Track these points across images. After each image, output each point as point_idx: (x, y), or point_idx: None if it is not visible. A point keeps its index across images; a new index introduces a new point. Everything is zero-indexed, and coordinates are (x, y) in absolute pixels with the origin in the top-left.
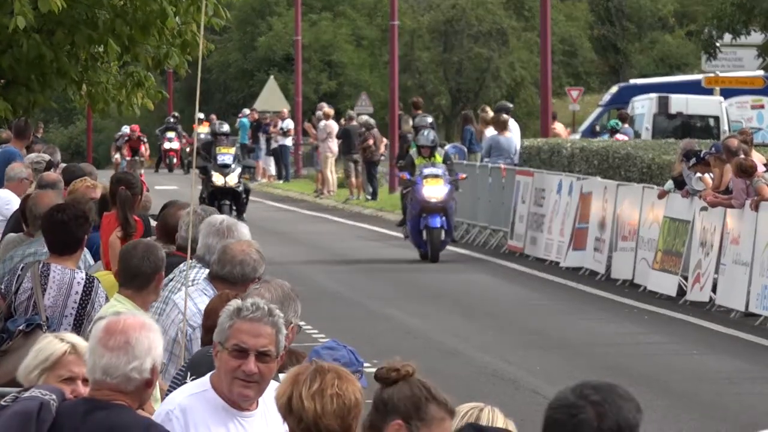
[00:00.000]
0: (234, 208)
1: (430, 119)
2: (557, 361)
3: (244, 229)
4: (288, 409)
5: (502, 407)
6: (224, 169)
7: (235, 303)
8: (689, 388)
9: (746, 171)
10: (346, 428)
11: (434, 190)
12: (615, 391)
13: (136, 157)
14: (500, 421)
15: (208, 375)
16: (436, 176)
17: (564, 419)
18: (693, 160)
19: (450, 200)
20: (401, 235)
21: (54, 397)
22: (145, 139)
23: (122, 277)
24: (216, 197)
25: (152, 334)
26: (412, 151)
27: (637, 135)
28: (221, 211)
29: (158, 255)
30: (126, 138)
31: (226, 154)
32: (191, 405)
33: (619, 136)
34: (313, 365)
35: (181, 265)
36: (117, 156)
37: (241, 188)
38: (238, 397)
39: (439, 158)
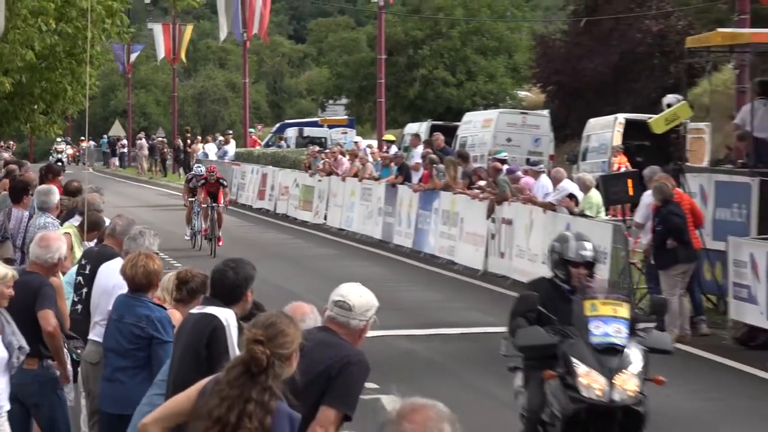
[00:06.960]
0: None
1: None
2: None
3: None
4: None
5: None
6: (607, 358)
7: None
8: (413, 306)
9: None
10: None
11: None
12: (243, 260)
13: (215, 204)
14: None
15: None
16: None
17: (217, 276)
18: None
19: None
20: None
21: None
22: (225, 182)
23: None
24: (584, 425)
25: (60, 241)
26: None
27: (288, 146)
28: None
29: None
30: (202, 180)
31: (610, 321)
32: None
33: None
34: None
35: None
36: (192, 200)
37: (642, 407)
38: None
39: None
